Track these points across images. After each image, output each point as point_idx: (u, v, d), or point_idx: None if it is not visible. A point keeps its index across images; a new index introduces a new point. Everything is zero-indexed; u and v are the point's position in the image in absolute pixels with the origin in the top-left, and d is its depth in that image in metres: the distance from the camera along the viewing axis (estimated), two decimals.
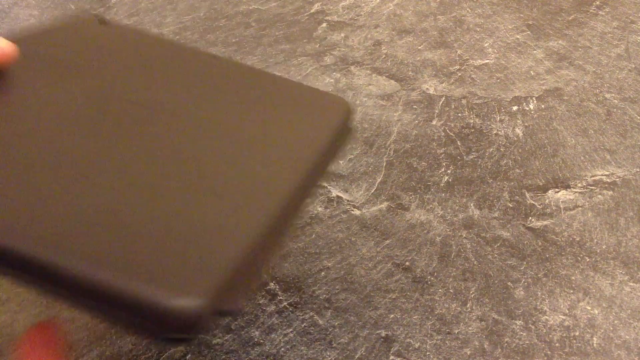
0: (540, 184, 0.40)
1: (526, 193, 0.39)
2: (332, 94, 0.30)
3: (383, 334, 0.31)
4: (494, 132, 0.43)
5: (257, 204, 0.20)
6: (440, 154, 0.42)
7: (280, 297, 0.33)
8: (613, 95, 0.47)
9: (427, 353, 0.30)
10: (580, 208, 0.38)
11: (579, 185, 0.39)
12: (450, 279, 0.34)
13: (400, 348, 0.30)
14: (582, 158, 0.42)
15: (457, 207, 0.38)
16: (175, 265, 0.16)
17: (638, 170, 0.41)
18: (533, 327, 0.31)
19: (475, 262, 0.35)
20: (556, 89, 0.47)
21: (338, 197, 0.39)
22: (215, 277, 0.16)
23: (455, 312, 0.32)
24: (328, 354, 0.30)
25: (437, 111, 0.45)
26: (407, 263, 0.35)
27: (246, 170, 0.21)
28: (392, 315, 0.32)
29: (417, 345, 0.31)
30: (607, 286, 0.33)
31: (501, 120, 0.44)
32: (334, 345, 0.30)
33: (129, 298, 0.15)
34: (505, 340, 0.31)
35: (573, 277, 0.34)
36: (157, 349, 0.30)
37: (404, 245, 0.36)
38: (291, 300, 0.32)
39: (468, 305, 0.32)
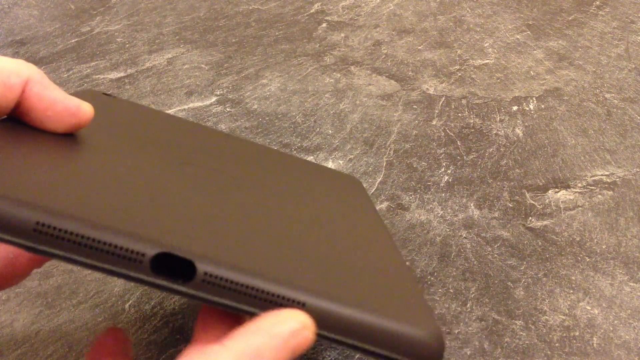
0: (540, 184, 0.40)
1: (526, 193, 0.39)
2: (343, 174, 0.35)
3: None
4: (494, 132, 0.43)
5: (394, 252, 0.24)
6: (440, 154, 0.42)
7: None
8: (613, 95, 0.47)
9: None
10: (580, 208, 0.38)
11: (579, 185, 0.39)
12: (450, 279, 0.34)
13: None
14: (582, 158, 0.42)
15: (457, 207, 0.38)
16: (402, 303, 0.19)
17: (638, 170, 0.41)
18: (533, 327, 0.31)
19: (475, 262, 0.35)
20: (556, 89, 0.47)
21: None
22: (429, 311, 0.19)
23: (455, 312, 0.32)
24: (328, 354, 0.30)
25: (437, 111, 0.45)
26: (407, 263, 0.35)
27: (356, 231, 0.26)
28: None
29: None
30: (607, 286, 0.33)
31: (501, 120, 0.44)
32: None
33: (382, 333, 0.17)
34: (505, 340, 0.31)
35: (573, 277, 0.34)
36: (157, 349, 0.30)
37: (404, 245, 0.35)
38: None
39: (468, 305, 0.32)
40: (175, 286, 0.16)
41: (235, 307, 0.17)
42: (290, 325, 0.16)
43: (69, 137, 0.22)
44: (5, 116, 0.21)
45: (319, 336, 0.17)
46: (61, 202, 0.16)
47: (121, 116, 0.28)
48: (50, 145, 0.20)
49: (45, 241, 0.15)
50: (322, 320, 0.17)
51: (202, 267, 0.16)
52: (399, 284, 0.21)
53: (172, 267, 0.16)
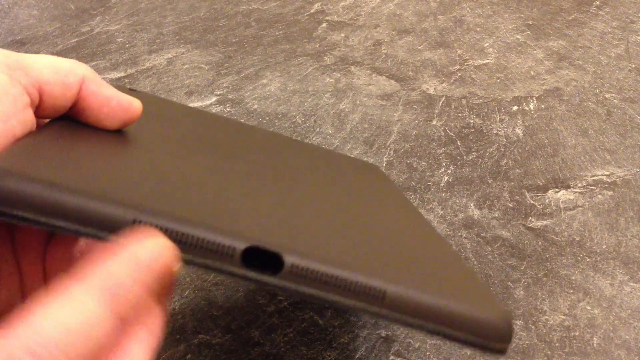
0: (540, 184, 0.40)
1: (526, 193, 0.39)
2: (363, 161, 0.36)
3: (383, 334, 0.31)
4: (494, 132, 0.43)
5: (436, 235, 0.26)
6: (440, 154, 0.42)
7: (280, 297, 0.33)
8: (613, 95, 0.47)
9: (427, 353, 0.30)
10: (580, 208, 0.38)
11: (579, 185, 0.39)
12: None
13: (400, 348, 0.30)
14: (582, 158, 0.42)
15: (457, 207, 0.38)
16: (467, 287, 0.20)
17: (638, 170, 0.41)
18: (533, 327, 0.31)
19: (475, 262, 0.35)
20: (556, 89, 0.47)
21: None
22: (491, 293, 0.20)
23: None
24: (328, 354, 0.30)
25: (437, 111, 0.45)
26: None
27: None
28: None
29: (417, 345, 0.31)
30: (607, 286, 0.33)
31: (501, 120, 0.44)
32: (334, 345, 0.30)
33: (456, 315, 0.18)
34: None
35: (573, 277, 0.34)
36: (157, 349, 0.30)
37: None
38: (291, 300, 0.32)
39: None
40: (264, 278, 0.17)
41: (321, 297, 0.17)
42: (149, 248, 0.15)
43: (121, 134, 0.22)
44: (59, 115, 0.21)
45: (400, 322, 0.18)
46: (154, 200, 0.17)
47: (153, 111, 0.28)
48: (112, 143, 0.21)
49: None
50: (403, 306, 0.18)
51: (289, 259, 0.17)
52: (458, 269, 0.22)
53: (259, 260, 0.17)
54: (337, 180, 0.30)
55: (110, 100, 0.21)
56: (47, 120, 0.21)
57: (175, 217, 0.16)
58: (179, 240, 0.16)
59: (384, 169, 0.40)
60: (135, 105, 0.22)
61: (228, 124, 0.32)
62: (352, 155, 0.41)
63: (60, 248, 0.22)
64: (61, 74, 0.20)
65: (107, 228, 0.16)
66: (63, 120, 0.21)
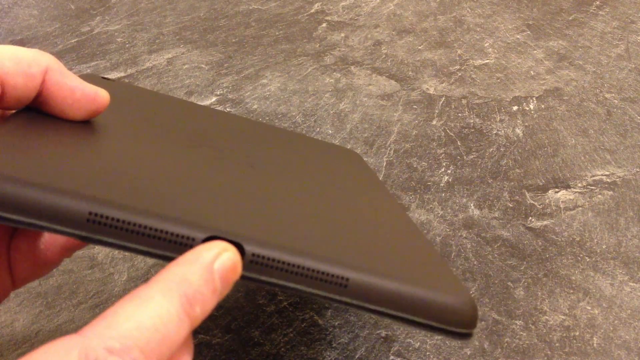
0: (540, 184, 0.40)
1: (526, 193, 0.39)
2: (341, 147, 0.36)
3: (383, 334, 0.31)
4: (494, 132, 0.43)
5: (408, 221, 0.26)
6: (440, 154, 0.42)
7: (280, 297, 0.33)
8: (613, 95, 0.47)
9: (427, 353, 0.30)
10: (580, 208, 0.38)
11: (579, 185, 0.39)
12: None
13: (400, 348, 0.30)
14: (582, 158, 0.42)
15: (457, 207, 0.38)
16: (432, 273, 0.20)
17: (638, 170, 0.41)
18: (533, 327, 0.31)
19: (475, 262, 0.35)
20: (556, 89, 0.47)
21: None
22: (458, 279, 0.20)
23: None
24: (328, 354, 0.30)
25: (437, 111, 0.45)
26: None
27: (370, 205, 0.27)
28: None
29: (417, 345, 0.31)
30: (607, 286, 0.33)
31: (501, 120, 0.44)
32: (334, 345, 0.30)
33: (420, 301, 0.18)
34: (505, 340, 0.31)
35: (573, 277, 0.34)
36: None
37: None
38: (291, 300, 0.32)
39: None
40: None
41: (284, 286, 0.17)
42: (212, 252, 0.16)
43: (88, 124, 0.22)
44: (24, 107, 0.21)
45: (364, 309, 0.18)
46: (110, 192, 0.17)
47: (125, 99, 0.28)
48: (76, 134, 0.21)
49: (98, 230, 0.16)
50: (365, 293, 0.18)
51: (250, 248, 0.17)
52: (425, 255, 0.22)
53: None
54: (310, 167, 0.29)
55: (75, 91, 0.21)
56: (11, 112, 0.21)
57: (132, 209, 0.16)
58: (137, 232, 0.16)
59: (383, 169, 0.40)
60: (101, 95, 0.21)
61: (204, 112, 0.32)
62: None
63: (24, 240, 0.22)
64: (24, 64, 0.19)
65: (65, 222, 0.16)
66: (27, 112, 0.20)
